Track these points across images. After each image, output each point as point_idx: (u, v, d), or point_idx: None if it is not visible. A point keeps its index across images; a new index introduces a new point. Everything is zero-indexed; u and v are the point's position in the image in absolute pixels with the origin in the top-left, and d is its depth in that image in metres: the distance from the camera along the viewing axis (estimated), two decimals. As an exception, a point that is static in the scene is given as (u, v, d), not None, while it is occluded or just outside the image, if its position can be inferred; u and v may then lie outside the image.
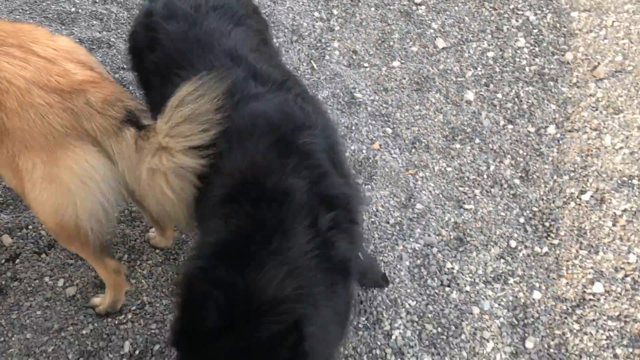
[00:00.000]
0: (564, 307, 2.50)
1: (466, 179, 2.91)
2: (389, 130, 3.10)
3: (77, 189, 1.87)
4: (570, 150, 3.00)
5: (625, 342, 2.40)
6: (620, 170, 2.92)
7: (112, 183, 1.92)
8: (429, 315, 2.46)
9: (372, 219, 2.75)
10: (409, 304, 2.49)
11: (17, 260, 2.57)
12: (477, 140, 3.06)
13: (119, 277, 2.30)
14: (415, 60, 3.42)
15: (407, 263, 2.60)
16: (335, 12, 3.68)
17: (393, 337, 2.39)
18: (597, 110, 3.17)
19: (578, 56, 3.44)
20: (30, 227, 2.66)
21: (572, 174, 2.93)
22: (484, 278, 2.58)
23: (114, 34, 3.46)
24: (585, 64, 3.41)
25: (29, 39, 1.84)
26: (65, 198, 1.88)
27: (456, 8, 3.71)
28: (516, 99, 3.24)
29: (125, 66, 3.26)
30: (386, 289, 2.51)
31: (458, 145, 3.03)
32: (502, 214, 2.79)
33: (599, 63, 3.38)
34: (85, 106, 1.82)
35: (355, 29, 3.59)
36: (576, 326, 2.45)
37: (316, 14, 3.67)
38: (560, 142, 3.05)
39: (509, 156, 2.99)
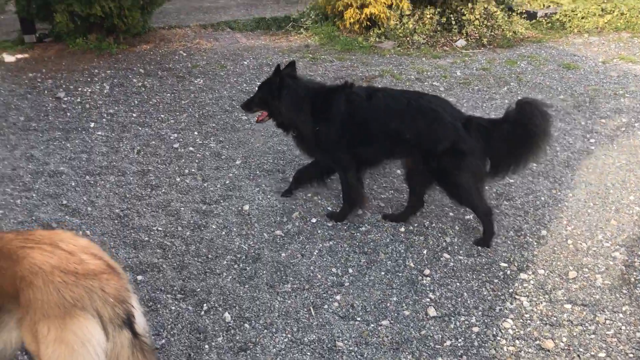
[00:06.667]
0: None
1: None
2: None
3: (80, 349, 2.38)
4: None
5: None
6: None
7: (101, 351, 2.43)
8: None
9: None
10: None
11: None
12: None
13: None
14: (403, 323, 3.76)
15: None
16: (350, 270, 4.29)
17: None
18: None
19: (560, 345, 3.54)
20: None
21: None
22: None
23: (167, 262, 4.36)
24: (564, 354, 3.47)
25: (57, 239, 2.62)
26: (71, 356, 2.38)
27: (458, 284, 4.12)
28: (488, 373, 3.42)
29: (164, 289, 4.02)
30: None
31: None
32: None
33: (578, 356, 3.43)
34: (100, 290, 2.45)
35: (362, 287, 4.11)
36: None
37: (334, 269, 4.30)
38: None
39: None
